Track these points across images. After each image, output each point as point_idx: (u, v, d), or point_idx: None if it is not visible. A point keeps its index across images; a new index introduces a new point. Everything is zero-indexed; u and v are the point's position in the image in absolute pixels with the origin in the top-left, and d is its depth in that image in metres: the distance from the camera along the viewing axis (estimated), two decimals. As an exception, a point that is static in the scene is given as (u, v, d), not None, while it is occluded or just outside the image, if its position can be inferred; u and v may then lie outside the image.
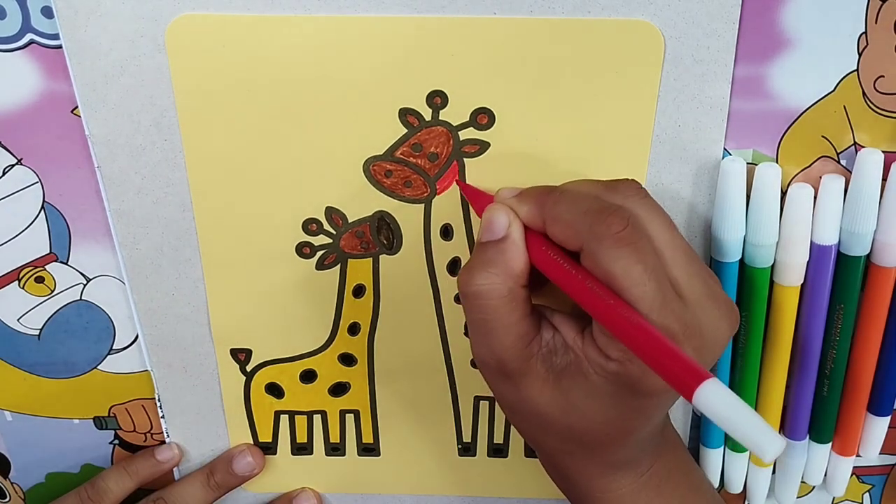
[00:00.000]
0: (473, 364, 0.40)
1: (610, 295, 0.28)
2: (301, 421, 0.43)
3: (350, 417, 0.43)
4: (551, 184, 0.33)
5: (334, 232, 0.37)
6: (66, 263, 0.38)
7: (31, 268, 0.39)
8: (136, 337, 0.40)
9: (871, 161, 0.34)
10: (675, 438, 0.37)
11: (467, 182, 0.36)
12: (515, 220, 0.31)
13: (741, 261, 0.36)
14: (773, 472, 0.43)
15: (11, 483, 0.45)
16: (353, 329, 0.40)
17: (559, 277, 0.30)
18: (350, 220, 0.37)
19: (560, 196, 0.31)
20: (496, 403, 0.42)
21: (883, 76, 0.33)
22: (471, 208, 0.36)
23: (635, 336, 0.27)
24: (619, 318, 0.27)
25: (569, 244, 0.30)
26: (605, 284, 0.28)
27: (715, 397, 0.24)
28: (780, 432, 0.41)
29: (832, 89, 0.34)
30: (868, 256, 0.36)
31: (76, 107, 0.34)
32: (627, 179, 0.31)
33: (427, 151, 0.35)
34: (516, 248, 0.31)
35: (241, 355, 0.41)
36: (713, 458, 0.42)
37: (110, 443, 0.44)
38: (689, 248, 0.30)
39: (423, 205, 0.36)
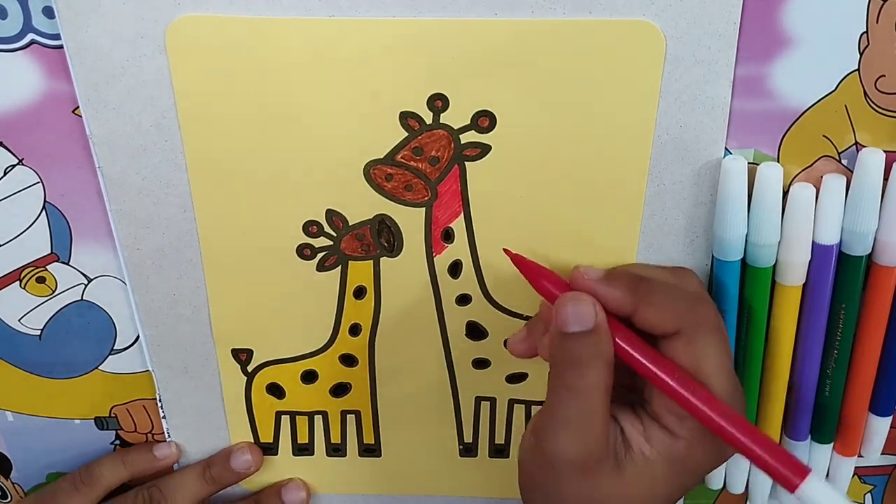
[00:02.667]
0: (474, 365, 0.40)
1: (693, 383, 0.30)
2: (302, 421, 0.43)
3: (351, 418, 0.43)
4: (551, 186, 0.34)
5: (335, 234, 0.37)
6: (68, 264, 0.38)
7: (32, 268, 0.39)
8: (137, 337, 0.40)
9: (872, 160, 0.34)
10: None
11: (468, 185, 0.35)
12: (600, 308, 0.31)
13: (743, 260, 0.36)
14: (775, 472, 0.43)
15: (12, 483, 0.45)
16: (354, 330, 0.40)
17: (642, 362, 0.31)
18: (350, 223, 0.37)
19: (653, 282, 0.32)
20: (496, 404, 0.42)
21: (884, 76, 0.33)
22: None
23: (733, 431, 0.30)
24: (720, 411, 0.30)
25: (663, 327, 0.31)
26: (689, 369, 0.30)
27: (818, 492, 0.28)
28: (781, 432, 0.41)
29: (833, 89, 0.34)
30: (870, 256, 0.36)
31: (77, 107, 0.34)
32: (684, 268, 0.35)
33: (428, 155, 0.35)
34: (609, 338, 0.31)
35: (242, 356, 0.41)
36: (714, 458, 0.42)
37: (111, 443, 0.44)
38: None
39: (423, 208, 0.36)
